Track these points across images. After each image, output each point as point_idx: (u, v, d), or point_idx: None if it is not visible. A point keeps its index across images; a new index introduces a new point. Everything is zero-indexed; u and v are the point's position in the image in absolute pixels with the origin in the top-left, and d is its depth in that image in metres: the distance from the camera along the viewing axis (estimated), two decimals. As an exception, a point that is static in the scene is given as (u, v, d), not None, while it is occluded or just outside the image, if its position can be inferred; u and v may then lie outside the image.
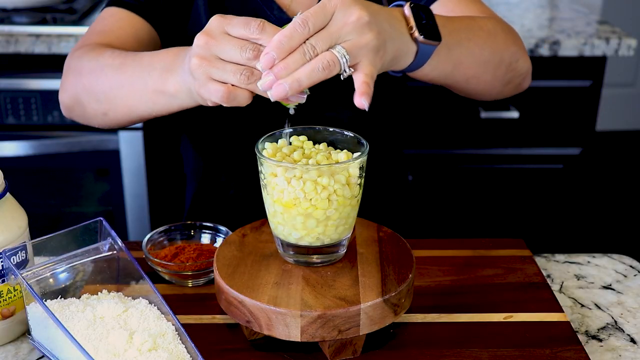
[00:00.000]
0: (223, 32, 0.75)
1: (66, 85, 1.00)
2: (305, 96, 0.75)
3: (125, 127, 1.71)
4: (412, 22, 0.78)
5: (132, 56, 0.92)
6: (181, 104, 0.86)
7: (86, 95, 0.97)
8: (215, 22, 0.75)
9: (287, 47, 0.70)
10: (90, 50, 0.98)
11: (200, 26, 1.05)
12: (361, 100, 0.71)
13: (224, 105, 0.76)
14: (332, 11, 0.72)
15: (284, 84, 0.70)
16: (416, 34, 0.78)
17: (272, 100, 0.72)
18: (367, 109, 0.72)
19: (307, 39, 0.71)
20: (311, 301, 0.74)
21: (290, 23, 0.71)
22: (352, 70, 0.72)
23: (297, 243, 0.78)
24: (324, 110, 1.04)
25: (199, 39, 0.75)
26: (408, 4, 0.80)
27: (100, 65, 0.94)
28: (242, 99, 0.75)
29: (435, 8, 1.05)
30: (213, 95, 0.75)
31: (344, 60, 0.71)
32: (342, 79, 0.72)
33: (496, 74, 0.96)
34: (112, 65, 0.93)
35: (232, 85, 0.74)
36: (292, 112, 0.80)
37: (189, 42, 1.06)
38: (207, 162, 1.15)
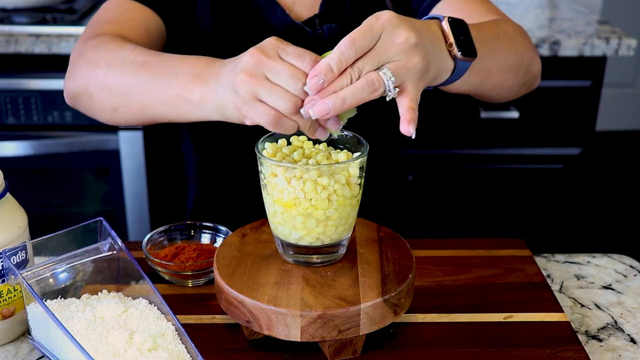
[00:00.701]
0: (277, 55, 0.72)
1: (75, 74, 0.96)
2: (341, 125, 0.74)
3: (127, 128, 1.72)
4: (452, 39, 0.76)
5: (156, 55, 0.89)
6: (203, 114, 0.82)
7: (98, 87, 0.92)
8: (271, 43, 0.73)
9: (335, 71, 0.69)
10: (109, 41, 0.94)
11: (206, 23, 1.05)
12: (409, 128, 0.70)
13: (269, 129, 0.73)
14: (380, 32, 0.70)
15: (327, 102, 0.69)
16: (455, 51, 0.76)
17: (313, 117, 0.70)
18: (413, 137, 0.71)
19: (355, 62, 0.70)
20: (311, 301, 0.74)
21: (337, 46, 0.69)
22: (397, 90, 0.71)
23: (297, 243, 0.78)
24: None
25: (251, 55, 0.72)
26: (446, 18, 0.77)
27: (120, 59, 0.90)
28: (289, 128, 0.73)
29: (440, 9, 1.03)
30: (259, 117, 0.72)
31: (390, 82, 0.70)
32: (387, 100, 0.71)
33: (517, 78, 0.96)
34: (134, 62, 0.89)
35: (277, 110, 0.72)
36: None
37: (195, 36, 1.06)
38: (209, 163, 1.15)
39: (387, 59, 0.70)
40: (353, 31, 0.70)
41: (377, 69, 0.70)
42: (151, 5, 1.03)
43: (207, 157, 1.15)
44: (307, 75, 0.70)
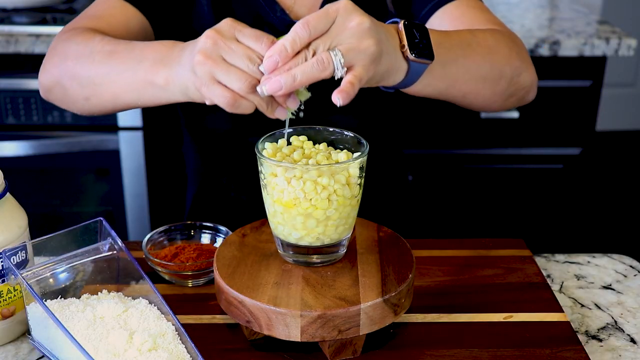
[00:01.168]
0: (233, 37, 0.75)
1: (48, 66, 0.98)
2: (299, 102, 0.76)
3: (125, 128, 1.72)
4: (405, 40, 0.78)
5: (123, 44, 0.91)
6: (170, 97, 0.85)
7: (69, 78, 0.95)
8: (228, 24, 0.76)
9: (290, 51, 0.71)
10: (79, 33, 0.97)
11: (205, 25, 1.05)
12: (336, 96, 0.72)
13: (227, 110, 0.76)
14: (334, 16, 0.72)
15: (279, 79, 0.71)
16: (408, 52, 0.78)
17: (265, 93, 0.73)
18: (339, 106, 0.72)
19: (309, 44, 0.72)
20: (311, 301, 0.74)
21: (293, 27, 0.72)
22: (345, 70, 0.72)
23: (297, 243, 0.78)
24: (328, 114, 1.03)
25: (208, 36, 0.75)
26: (403, 21, 0.80)
27: (89, 50, 0.93)
28: (246, 108, 0.75)
29: (440, 17, 1.04)
30: (217, 98, 0.75)
31: (338, 60, 0.71)
32: (335, 79, 0.73)
33: (496, 89, 0.95)
34: (101, 52, 0.91)
35: (234, 91, 0.74)
36: (289, 116, 0.79)
37: (194, 38, 1.07)
38: (208, 162, 1.15)
39: (339, 42, 0.72)
40: (309, 15, 0.72)
41: (330, 49, 0.72)
42: (136, 4, 1.04)
43: (207, 158, 1.15)
44: (263, 56, 0.73)
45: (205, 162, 1.16)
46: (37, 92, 1.69)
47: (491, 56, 0.92)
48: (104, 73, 0.90)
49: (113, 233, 0.82)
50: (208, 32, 0.75)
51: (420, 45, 0.79)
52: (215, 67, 0.74)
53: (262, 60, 0.73)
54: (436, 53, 0.81)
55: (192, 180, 1.21)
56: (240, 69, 0.73)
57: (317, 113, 1.02)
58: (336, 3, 0.74)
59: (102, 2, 1.06)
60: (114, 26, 1.02)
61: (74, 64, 0.94)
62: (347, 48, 0.72)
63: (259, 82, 0.73)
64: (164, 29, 1.07)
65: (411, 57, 0.78)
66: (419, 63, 0.79)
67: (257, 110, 0.77)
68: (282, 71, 0.71)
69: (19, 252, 0.79)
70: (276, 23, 1.04)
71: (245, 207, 1.12)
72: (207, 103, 0.78)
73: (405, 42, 0.78)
